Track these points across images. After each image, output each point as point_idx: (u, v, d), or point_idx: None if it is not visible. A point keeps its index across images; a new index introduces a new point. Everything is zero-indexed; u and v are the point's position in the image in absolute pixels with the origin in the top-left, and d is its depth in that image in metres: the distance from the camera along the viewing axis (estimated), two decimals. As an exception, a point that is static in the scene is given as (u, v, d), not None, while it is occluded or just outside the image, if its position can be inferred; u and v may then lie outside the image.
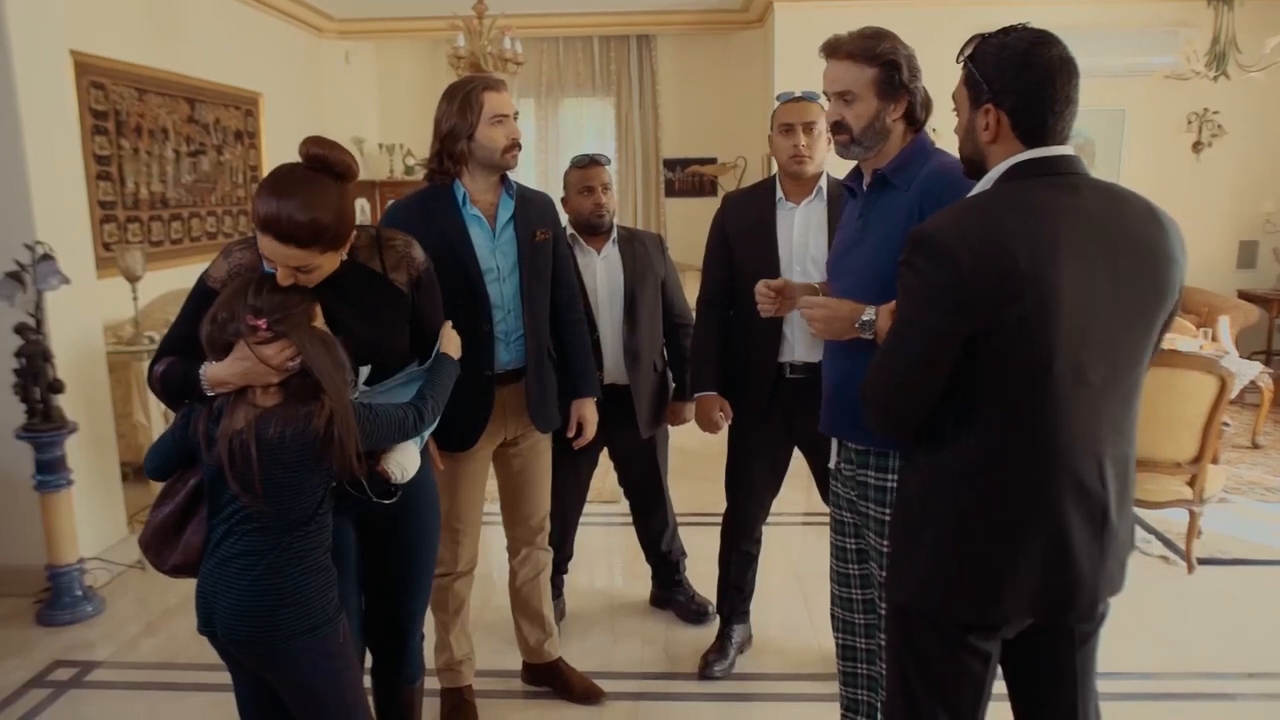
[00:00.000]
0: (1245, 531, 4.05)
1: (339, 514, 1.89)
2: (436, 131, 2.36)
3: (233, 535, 1.72)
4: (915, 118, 1.94)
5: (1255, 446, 5.26)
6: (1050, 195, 1.44)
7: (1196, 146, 6.71)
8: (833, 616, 2.23)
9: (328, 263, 1.78)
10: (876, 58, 1.88)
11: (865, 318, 1.80)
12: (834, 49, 1.92)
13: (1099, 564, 1.48)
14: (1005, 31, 1.50)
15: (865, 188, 1.99)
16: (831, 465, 2.11)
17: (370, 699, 2.21)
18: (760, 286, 2.13)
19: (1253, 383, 4.74)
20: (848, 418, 1.95)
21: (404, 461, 1.90)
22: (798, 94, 2.60)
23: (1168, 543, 3.87)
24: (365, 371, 1.89)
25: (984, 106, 1.50)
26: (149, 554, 1.83)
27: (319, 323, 1.75)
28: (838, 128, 1.94)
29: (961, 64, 1.55)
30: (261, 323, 1.65)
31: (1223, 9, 5.05)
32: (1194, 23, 6.10)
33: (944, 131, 1.96)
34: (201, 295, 1.85)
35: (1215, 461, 3.70)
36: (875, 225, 1.93)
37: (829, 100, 1.97)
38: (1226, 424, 3.60)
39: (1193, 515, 3.63)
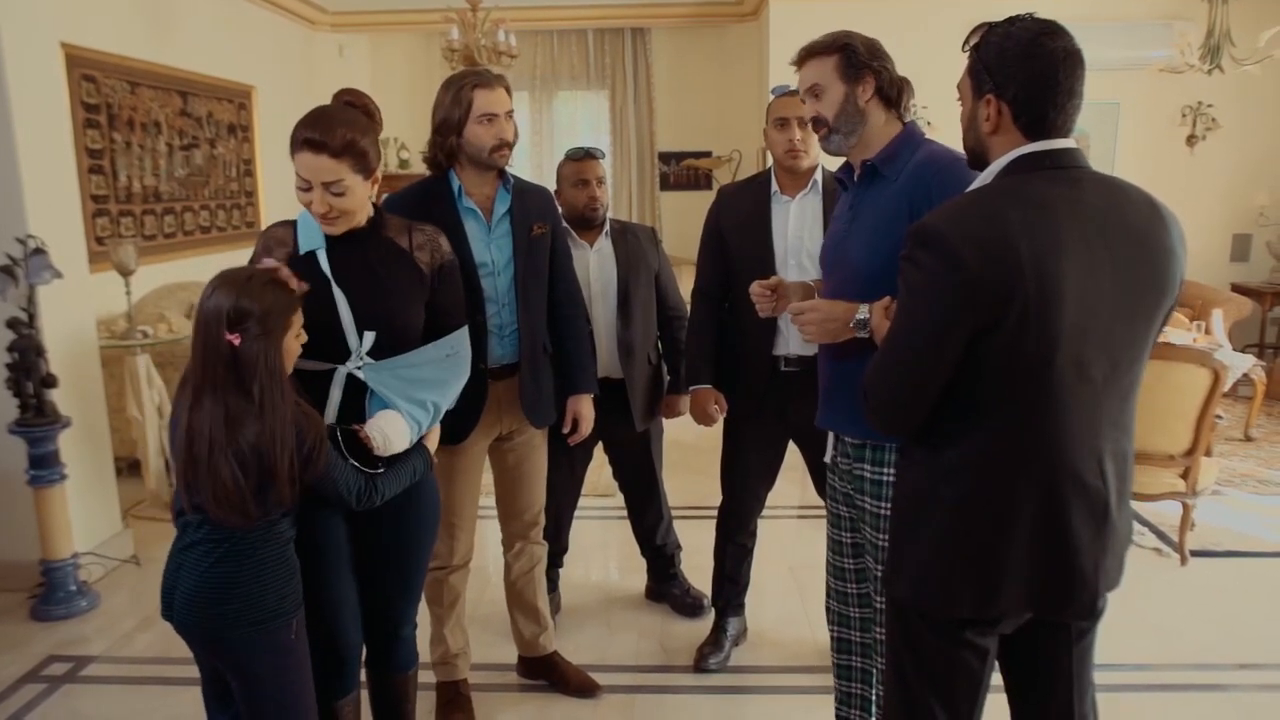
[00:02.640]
0: (1238, 524, 4.07)
1: (327, 509, 1.90)
2: (432, 122, 2.37)
3: (194, 523, 1.75)
4: (887, 96, 1.94)
5: (1248, 439, 5.27)
6: (1052, 189, 1.42)
7: (1190, 140, 6.73)
8: (828, 610, 2.23)
9: (358, 188, 1.90)
10: (832, 45, 1.94)
11: (860, 316, 1.79)
12: (798, 57, 2.01)
13: (1100, 560, 1.48)
14: (1011, 21, 1.48)
15: (855, 179, 1.99)
16: (827, 459, 2.11)
17: (365, 689, 2.23)
18: (755, 288, 2.11)
19: (1246, 376, 4.76)
20: (844, 411, 1.96)
21: (387, 430, 1.89)
22: (792, 88, 2.59)
23: (1161, 535, 3.89)
24: (369, 338, 1.92)
25: (985, 96, 1.48)
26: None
27: (294, 333, 1.77)
28: (816, 123, 1.98)
29: (967, 53, 1.53)
30: (235, 337, 1.67)
31: (1217, 2, 5.05)
32: (1188, 16, 6.11)
33: (937, 124, 1.96)
34: None
35: (1208, 454, 3.71)
36: (865, 217, 1.92)
37: (804, 103, 2.02)
38: (1220, 417, 3.62)
39: (1186, 508, 3.64)
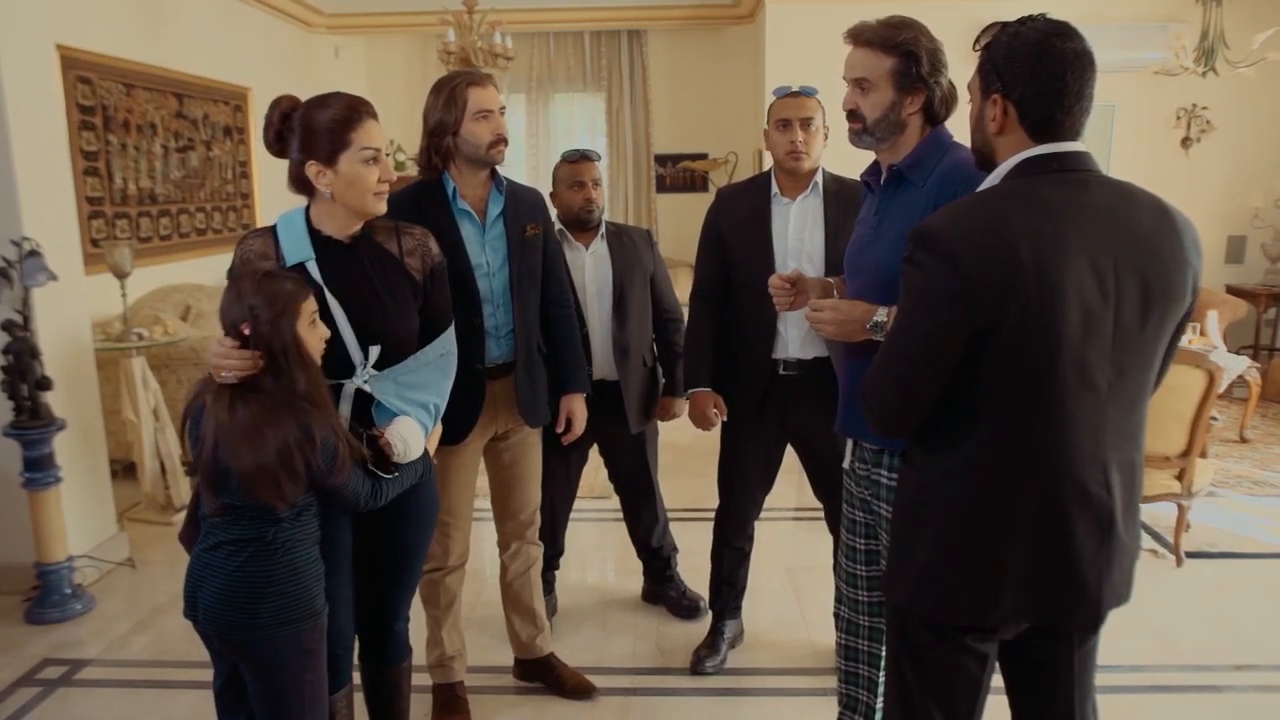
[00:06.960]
0: (1233, 525, 4.08)
1: (336, 509, 1.90)
2: (424, 126, 2.37)
3: (220, 524, 1.74)
4: (934, 113, 1.88)
5: (1243, 440, 5.29)
6: (1058, 192, 1.41)
7: (1185, 142, 6.73)
8: (836, 616, 2.21)
9: None
10: (896, 47, 1.82)
11: (877, 319, 1.77)
12: (856, 35, 1.87)
13: (1105, 573, 1.45)
14: (1023, 21, 1.46)
15: (882, 183, 1.94)
16: (846, 465, 2.06)
17: (360, 682, 2.23)
18: (774, 280, 2.05)
19: (1240, 377, 4.77)
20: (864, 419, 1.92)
21: (408, 437, 1.89)
22: (795, 88, 2.58)
23: (1157, 536, 3.89)
24: (375, 352, 1.89)
25: (992, 96, 1.47)
26: (187, 547, 1.87)
27: (306, 321, 1.75)
28: (851, 115, 1.89)
29: (979, 52, 1.51)
30: (244, 326, 1.69)
31: (1212, 5, 5.06)
32: (1183, 18, 6.13)
33: (951, 127, 1.94)
34: None
35: (1203, 455, 3.71)
36: (891, 222, 1.87)
37: (847, 86, 1.91)
38: (1215, 418, 3.62)
39: (1181, 509, 3.65)
